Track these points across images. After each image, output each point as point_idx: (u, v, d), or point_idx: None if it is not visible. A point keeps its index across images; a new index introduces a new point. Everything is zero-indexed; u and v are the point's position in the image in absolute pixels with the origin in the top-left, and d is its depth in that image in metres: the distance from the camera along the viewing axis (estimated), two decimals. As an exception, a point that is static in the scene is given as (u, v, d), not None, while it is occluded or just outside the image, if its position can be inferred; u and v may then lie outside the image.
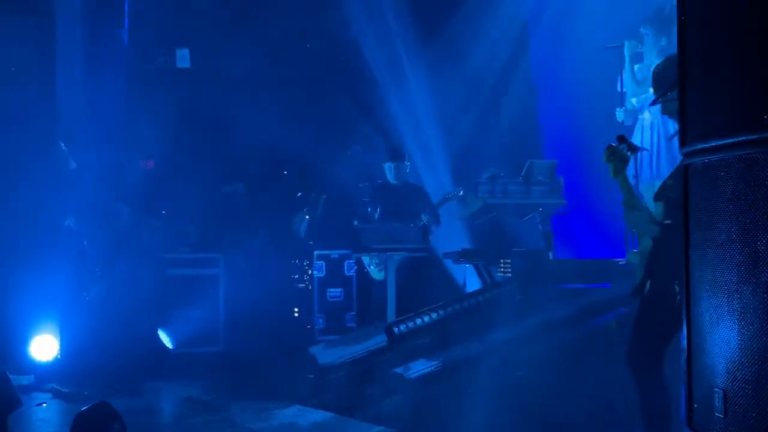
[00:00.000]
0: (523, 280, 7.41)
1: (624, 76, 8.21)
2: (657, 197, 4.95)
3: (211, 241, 9.94)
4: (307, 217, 10.36)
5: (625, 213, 5.02)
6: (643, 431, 4.89)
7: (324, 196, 10.31)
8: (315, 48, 11.01)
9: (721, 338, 3.00)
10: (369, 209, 8.95)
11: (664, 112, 5.09)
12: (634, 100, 8.04)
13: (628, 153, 4.90)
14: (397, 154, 9.07)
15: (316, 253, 10.13)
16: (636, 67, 8.12)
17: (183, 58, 10.80)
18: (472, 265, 8.88)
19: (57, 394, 7.97)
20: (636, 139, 7.76)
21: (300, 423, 6.76)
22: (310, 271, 10.10)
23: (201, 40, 10.73)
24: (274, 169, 10.98)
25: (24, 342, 8.39)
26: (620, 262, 7.37)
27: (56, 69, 8.70)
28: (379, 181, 9.16)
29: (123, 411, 4.96)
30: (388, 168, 9.03)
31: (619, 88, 8.29)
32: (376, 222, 8.81)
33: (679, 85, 3.43)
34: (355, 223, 8.81)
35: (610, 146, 4.92)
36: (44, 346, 8.47)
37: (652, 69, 7.65)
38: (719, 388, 3.00)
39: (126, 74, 9.98)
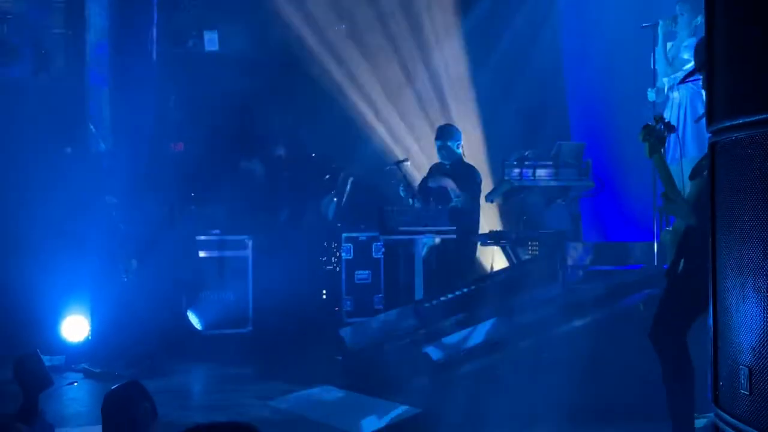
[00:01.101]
0: (550, 261, 7.40)
1: (656, 55, 8.10)
2: (692, 176, 4.91)
3: (240, 223, 9.95)
4: (335, 199, 10.36)
5: (664, 204, 4.98)
6: (665, 408, 4.88)
7: (352, 178, 10.29)
8: (343, 30, 10.98)
9: (747, 316, 2.99)
10: (415, 191, 8.91)
11: (704, 87, 5.04)
12: (665, 80, 7.95)
13: (665, 132, 4.85)
14: (440, 133, 8.99)
15: (344, 235, 10.12)
16: (669, 44, 8.01)
17: (211, 41, 10.80)
18: (499, 247, 8.87)
19: (88, 374, 8.08)
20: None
21: (326, 401, 6.81)
22: (338, 254, 10.10)
23: (229, 24, 10.73)
24: (301, 151, 10.99)
25: (55, 323, 8.49)
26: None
27: (86, 52, 8.76)
28: (436, 162, 9.10)
29: (153, 391, 5.00)
30: (436, 146, 9.02)
31: (651, 67, 8.17)
32: (407, 203, 8.78)
33: (707, 63, 3.41)
34: (416, 204, 8.73)
35: (647, 125, 4.87)
36: (75, 327, 8.56)
37: (684, 46, 7.63)
38: (744, 366, 2.99)
39: (155, 57, 9.99)
